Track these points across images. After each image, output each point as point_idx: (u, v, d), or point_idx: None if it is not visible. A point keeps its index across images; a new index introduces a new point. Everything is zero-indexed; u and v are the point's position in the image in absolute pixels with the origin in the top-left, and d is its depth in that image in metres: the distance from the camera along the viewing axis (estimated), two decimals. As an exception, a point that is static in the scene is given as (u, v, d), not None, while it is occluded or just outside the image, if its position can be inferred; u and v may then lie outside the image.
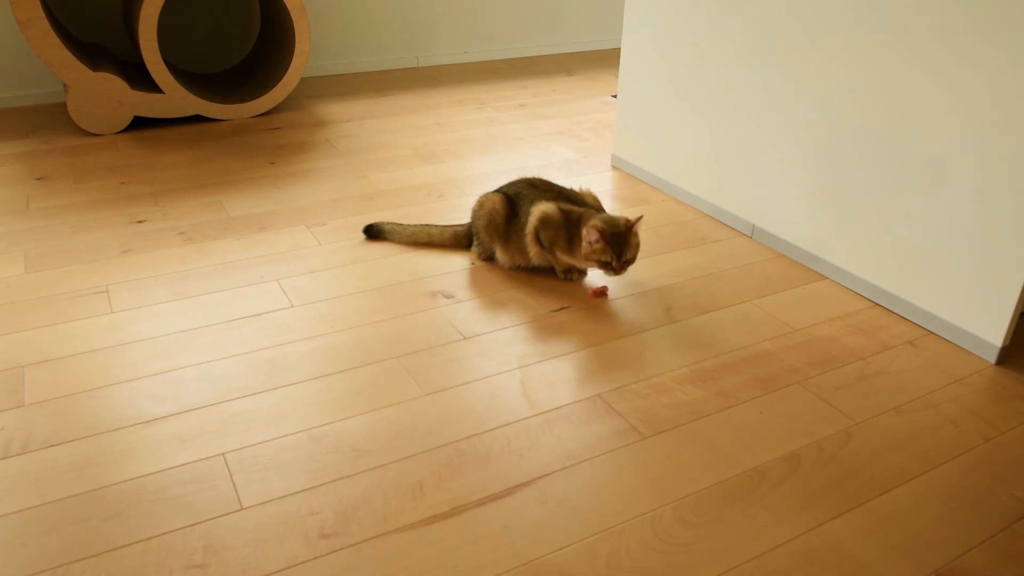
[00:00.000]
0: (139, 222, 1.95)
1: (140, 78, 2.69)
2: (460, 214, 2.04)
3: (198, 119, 2.72)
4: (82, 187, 2.15)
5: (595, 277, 1.75)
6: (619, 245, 1.56)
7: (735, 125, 1.94)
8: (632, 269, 1.79)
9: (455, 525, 1.08)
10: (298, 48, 2.68)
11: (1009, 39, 1.33)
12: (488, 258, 1.80)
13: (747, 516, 1.11)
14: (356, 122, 2.76)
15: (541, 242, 1.67)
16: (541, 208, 1.66)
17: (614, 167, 2.40)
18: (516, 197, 1.72)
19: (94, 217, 1.97)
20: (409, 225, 1.88)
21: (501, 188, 1.78)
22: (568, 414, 1.31)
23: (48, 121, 2.67)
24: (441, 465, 1.19)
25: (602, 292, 1.68)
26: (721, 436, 1.26)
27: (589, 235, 1.56)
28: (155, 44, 2.46)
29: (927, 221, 1.53)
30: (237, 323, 1.53)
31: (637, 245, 1.61)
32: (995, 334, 1.46)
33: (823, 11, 1.65)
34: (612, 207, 2.11)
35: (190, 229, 1.92)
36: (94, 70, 2.42)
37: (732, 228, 2.01)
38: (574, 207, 1.66)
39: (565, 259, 1.67)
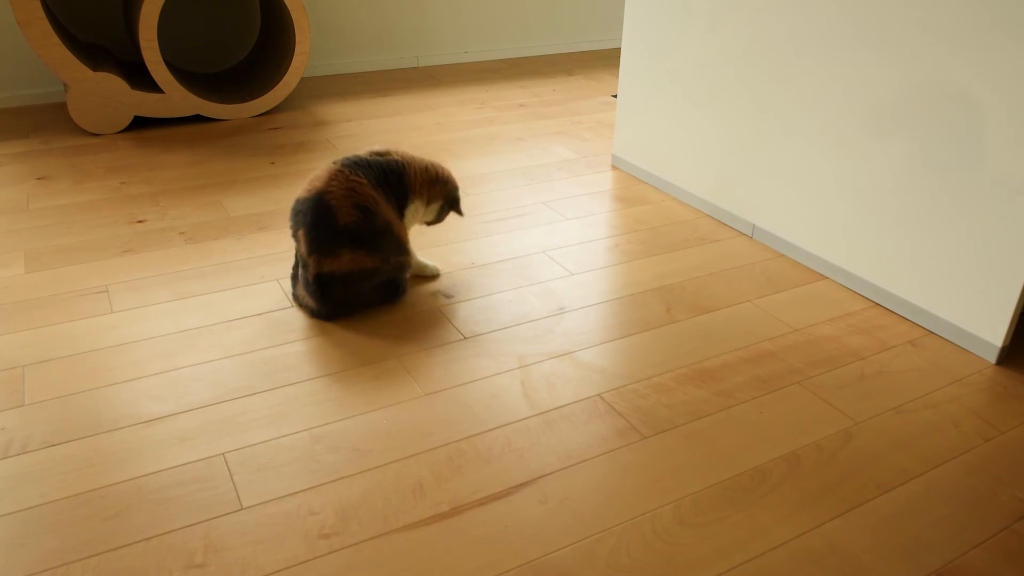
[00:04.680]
0: (139, 222, 1.95)
1: (140, 78, 2.69)
2: (460, 214, 2.04)
3: (198, 119, 2.72)
4: (82, 187, 2.15)
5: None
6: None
7: (735, 125, 1.94)
8: (632, 268, 1.79)
9: (455, 525, 1.08)
10: (298, 48, 2.68)
11: (1012, 37, 1.33)
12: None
13: (747, 516, 1.11)
14: (356, 122, 2.76)
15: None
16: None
17: (614, 167, 2.40)
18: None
19: (94, 217, 1.97)
20: None
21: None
22: (568, 414, 1.31)
23: (48, 121, 2.67)
24: (441, 465, 1.19)
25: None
26: (721, 436, 1.26)
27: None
28: (155, 44, 2.46)
29: (927, 221, 1.53)
30: (237, 323, 1.53)
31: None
32: (995, 334, 1.46)
33: (822, 11, 1.65)
34: (612, 207, 2.12)
35: (190, 229, 1.92)
36: (94, 70, 2.42)
37: (732, 228, 2.01)
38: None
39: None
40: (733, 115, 1.94)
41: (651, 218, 2.06)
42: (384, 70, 3.47)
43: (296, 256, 1.57)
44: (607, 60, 3.75)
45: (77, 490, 1.12)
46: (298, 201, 1.49)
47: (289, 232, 1.91)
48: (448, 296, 1.65)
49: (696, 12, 1.98)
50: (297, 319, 1.55)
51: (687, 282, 1.74)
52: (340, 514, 1.09)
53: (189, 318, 1.54)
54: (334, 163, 1.51)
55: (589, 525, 1.09)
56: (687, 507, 1.12)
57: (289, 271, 1.73)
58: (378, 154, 1.59)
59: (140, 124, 2.66)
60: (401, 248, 1.54)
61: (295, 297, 1.59)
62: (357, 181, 1.47)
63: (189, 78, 2.86)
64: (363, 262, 1.47)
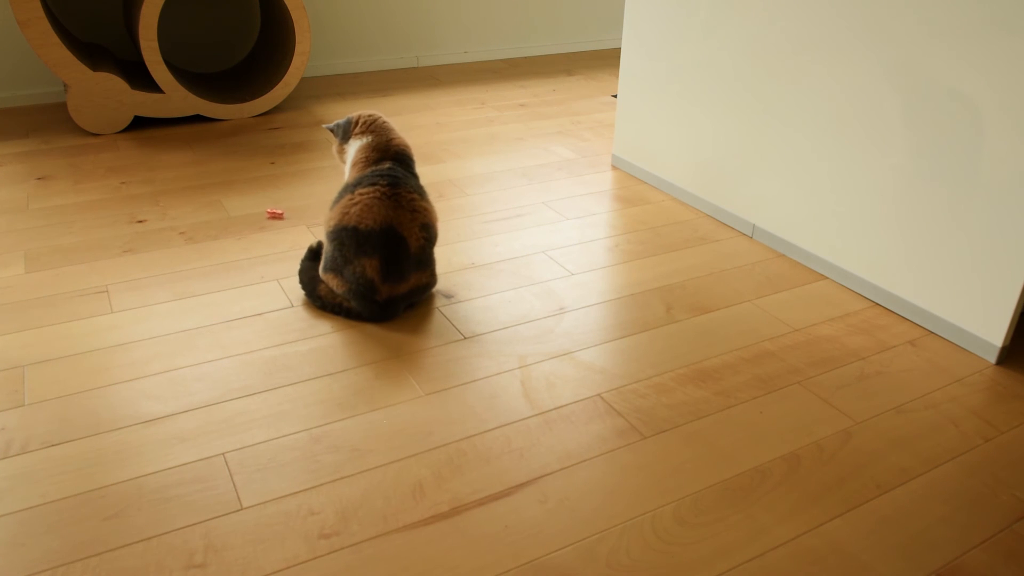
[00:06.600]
0: (139, 222, 1.95)
1: (140, 78, 2.69)
2: (460, 214, 2.04)
3: (198, 119, 2.72)
4: (82, 187, 2.15)
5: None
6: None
7: (735, 124, 1.94)
8: (632, 268, 1.79)
9: (455, 525, 1.08)
10: (298, 48, 2.68)
11: (1012, 37, 1.33)
12: None
13: (747, 516, 1.11)
14: (356, 122, 2.76)
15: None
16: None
17: (614, 167, 2.40)
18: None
19: (94, 217, 1.97)
20: None
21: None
22: (568, 414, 1.31)
23: (48, 121, 2.67)
24: (441, 465, 1.19)
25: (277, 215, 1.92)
26: (721, 436, 1.26)
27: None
28: (155, 44, 2.46)
29: (927, 220, 1.53)
30: (237, 323, 1.53)
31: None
32: (995, 334, 1.46)
33: (821, 11, 1.65)
34: (612, 207, 2.12)
35: (190, 229, 1.92)
36: (94, 70, 2.42)
37: (732, 228, 2.01)
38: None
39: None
40: (733, 115, 1.94)
41: (651, 218, 2.06)
42: (384, 70, 3.47)
43: (315, 260, 1.64)
44: (607, 60, 3.75)
45: (77, 490, 1.12)
46: (358, 231, 1.48)
47: (289, 231, 1.91)
48: (448, 296, 1.65)
49: (696, 12, 1.98)
50: (297, 319, 1.55)
51: (687, 282, 1.74)
52: (340, 514, 1.09)
53: (189, 318, 1.54)
54: (376, 184, 1.51)
55: (589, 525, 1.09)
56: (687, 507, 1.12)
57: (288, 271, 1.73)
58: (382, 152, 1.60)
59: (140, 124, 2.66)
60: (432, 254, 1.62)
61: (316, 299, 1.57)
62: (411, 198, 1.53)
63: (189, 78, 2.86)
64: (420, 280, 1.57)
